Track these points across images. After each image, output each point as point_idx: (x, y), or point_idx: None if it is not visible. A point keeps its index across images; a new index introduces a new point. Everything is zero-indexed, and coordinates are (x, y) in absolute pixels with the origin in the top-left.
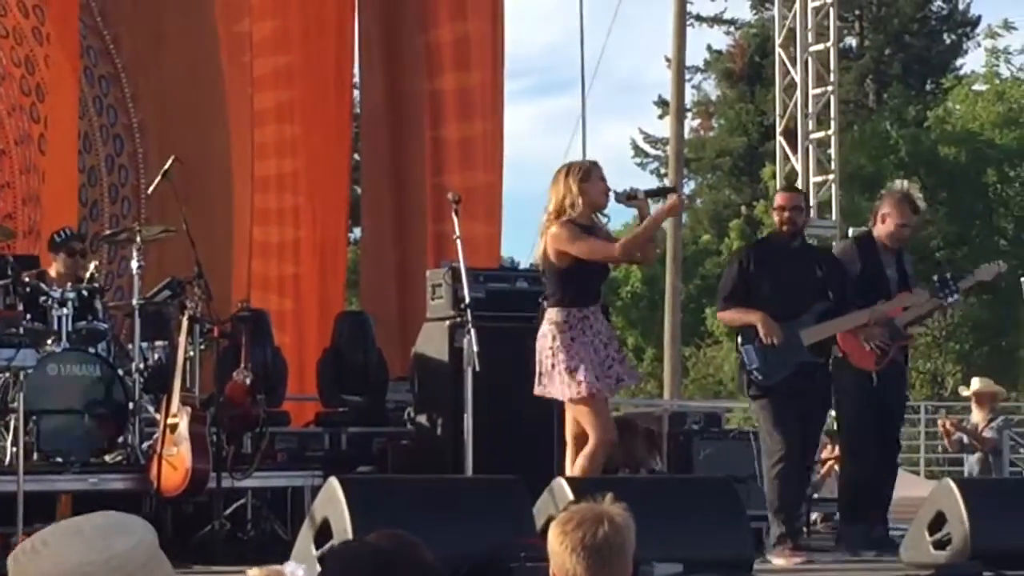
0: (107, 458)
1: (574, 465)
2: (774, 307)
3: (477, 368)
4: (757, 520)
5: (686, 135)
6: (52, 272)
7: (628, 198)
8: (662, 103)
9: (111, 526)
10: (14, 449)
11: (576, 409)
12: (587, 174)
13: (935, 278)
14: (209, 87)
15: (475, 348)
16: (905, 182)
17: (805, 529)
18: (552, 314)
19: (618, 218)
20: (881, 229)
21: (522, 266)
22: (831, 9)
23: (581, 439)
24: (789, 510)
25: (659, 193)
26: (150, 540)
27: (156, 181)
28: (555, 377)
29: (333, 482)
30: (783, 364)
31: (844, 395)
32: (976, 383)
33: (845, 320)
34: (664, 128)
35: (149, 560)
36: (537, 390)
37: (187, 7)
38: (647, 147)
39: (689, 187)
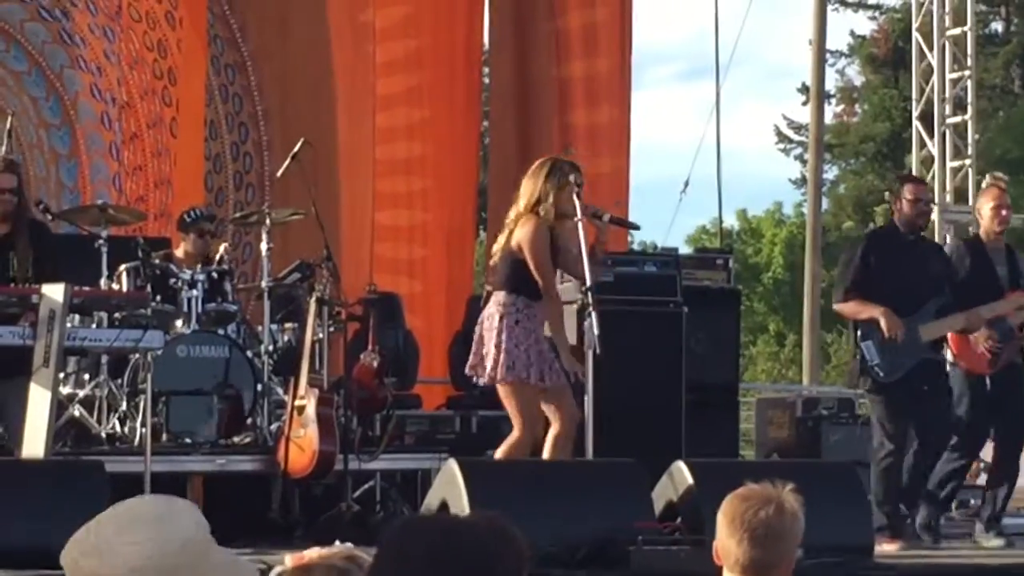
0: (235, 439)
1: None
2: (894, 301)
3: (598, 351)
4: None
5: (829, 121)
6: (180, 253)
7: (594, 216)
8: (805, 89)
9: (155, 518)
10: (143, 430)
11: (503, 392)
12: (565, 182)
13: None
14: (333, 76)
15: (596, 331)
16: (989, 175)
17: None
18: (500, 296)
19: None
20: (982, 224)
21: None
22: None
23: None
24: (892, 504)
25: (623, 225)
26: (192, 534)
27: (286, 163)
28: (490, 358)
29: (452, 464)
30: (903, 360)
31: (957, 399)
32: None
33: (964, 316)
34: (807, 114)
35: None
36: (468, 371)
37: None
38: (790, 133)
39: (832, 172)
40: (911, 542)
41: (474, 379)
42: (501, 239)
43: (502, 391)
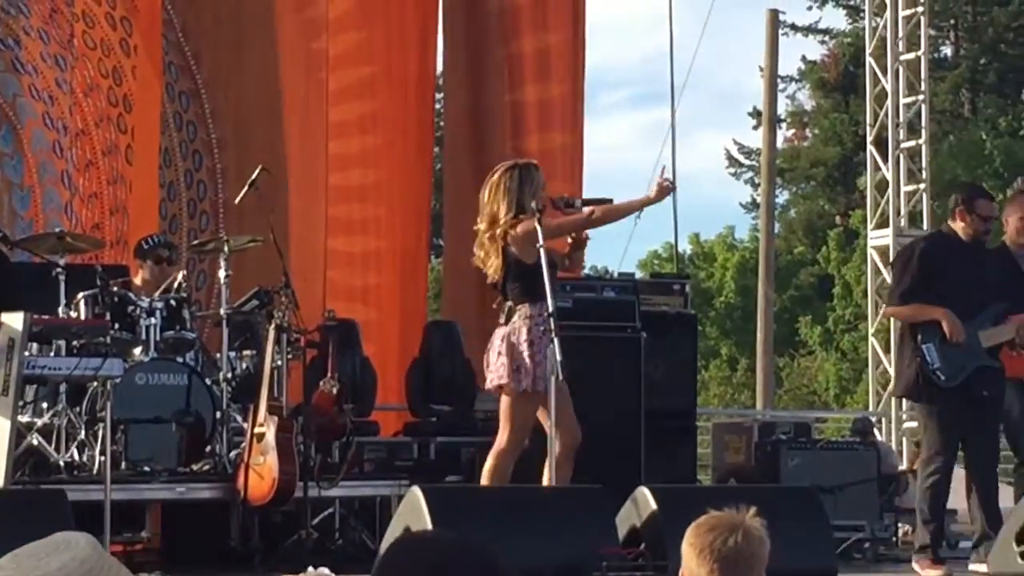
0: (194, 467)
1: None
2: (953, 305)
3: (561, 377)
4: (843, 531)
5: (780, 145)
6: (138, 280)
7: (566, 206)
8: (756, 113)
9: (46, 546)
10: (102, 458)
11: (516, 401)
12: (539, 182)
13: None
14: (286, 103)
15: (559, 357)
16: (1020, 179)
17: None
18: (524, 309)
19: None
20: (1010, 233)
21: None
22: (922, 18)
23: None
24: (938, 521)
25: (596, 203)
26: (88, 553)
27: (244, 190)
28: (520, 368)
29: (416, 491)
30: (963, 365)
31: (1008, 407)
32: None
33: (1014, 327)
34: (758, 138)
35: (89, 572)
36: (495, 385)
37: (266, 25)
38: (740, 157)
39: (783, 197)
40: (953, 565)
41: (498, 388)
42: (493, 261)
43: (512, 401)
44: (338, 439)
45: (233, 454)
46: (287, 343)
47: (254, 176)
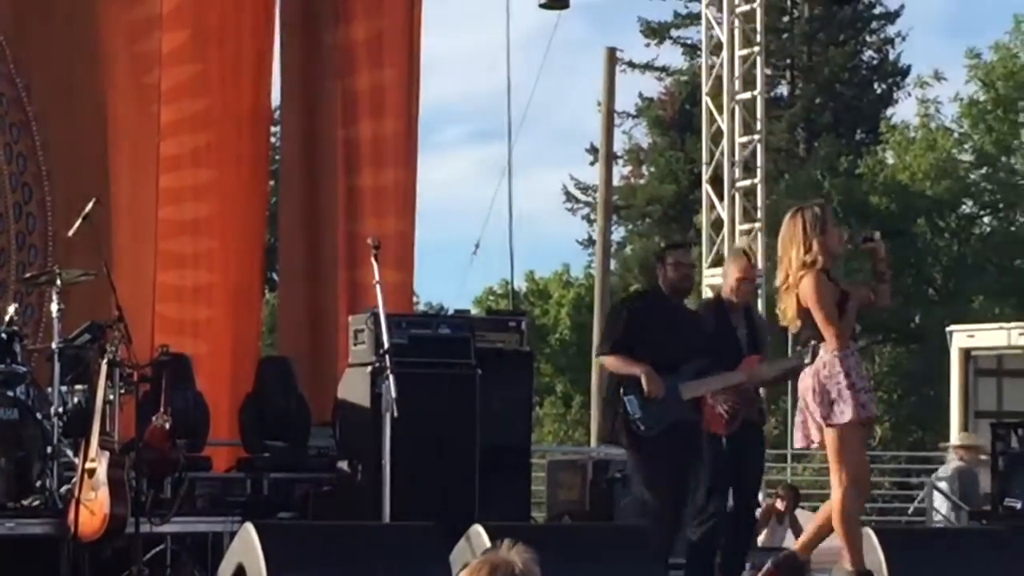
0: (24, 503)
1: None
2: (657, 358)
3: (395, 414)
4: (677, 568)
5: (617, 182)
6: None
7: (864, 241)
8: (593, 150)
9: None
10: None
11: (847, 432)
12: (824, 225)
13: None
14: (116, 136)
15: (393, 394)
16: (745, 239)
17: None
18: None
19: None
20: (726, 288)
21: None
22: (758, 58)
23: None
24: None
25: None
26: None
27: (78, 223)
28: (846, 401)
29: (249, 528)
30: (663, 417)
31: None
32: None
33: (723, 378)
34: (595, 175)
35: None
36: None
37: (97, 58)
38: (577, 193)
39: (619, 234)
40: None
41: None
42: (788, 309)
43: (845, 431)
44: (170, 475)
45: (64, 489)
46: (119, 378)
47: (87, 209)
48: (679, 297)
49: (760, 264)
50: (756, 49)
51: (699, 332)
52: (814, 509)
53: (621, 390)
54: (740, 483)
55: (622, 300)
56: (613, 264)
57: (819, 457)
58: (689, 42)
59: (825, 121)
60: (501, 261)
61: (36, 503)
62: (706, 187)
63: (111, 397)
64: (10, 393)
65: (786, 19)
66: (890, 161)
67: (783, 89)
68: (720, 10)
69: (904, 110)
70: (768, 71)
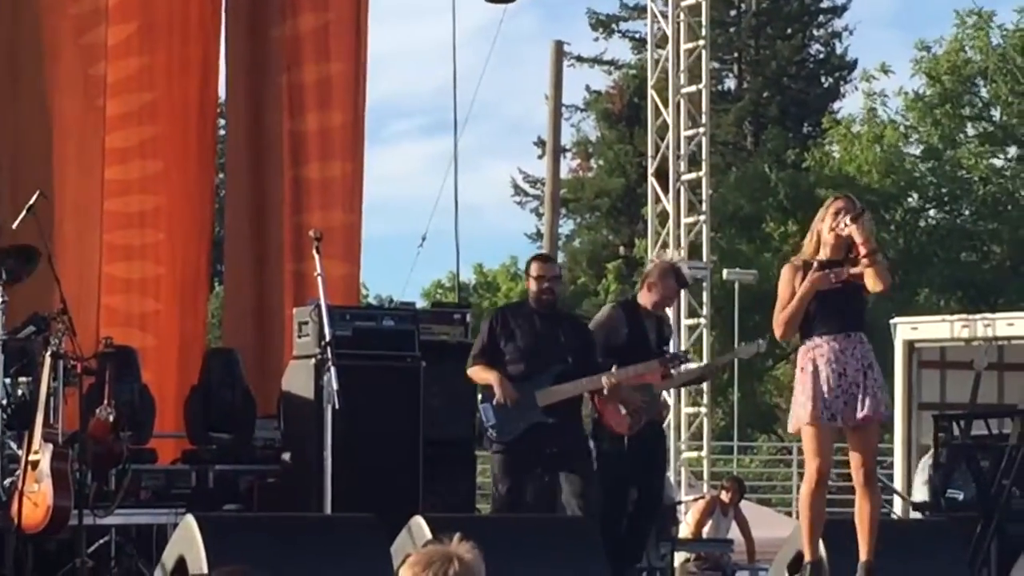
0: None
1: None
2: (517, 367)
3: (337, 406)
4: None
5: (565, 175)
6: None
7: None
8: (541, 143)
9: None
10: None
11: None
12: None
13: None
14: (61, 129)
15: (335, 386)
16: (676, 253)
17: None
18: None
19: None
20: (646, 296)
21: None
22: (703, 52)
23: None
24: None
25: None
26: None
27: (22, 215)
28: (877, 392)
29: (189, 519)
30: (516, 423)
31: (602, 458)
32: None
33: (579, 384)
34: (543, 168)
35: None
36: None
37: (43, 50)
38: (526, 186)
39: (567, 227)
40: None
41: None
42: None
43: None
44: (114, 466)
45: (7, 482)
46: (63, 370)
47: (32, 201)
48: (545, 307)
49: (705, 257)
50: (701, 43)
51: (560, 341)
52: (759, 502)
53: (479, 398)
54: (644, 480)
55: (489, 312)
56: (561, 257)
57: (765, 449)
58: (638, 36)
59: (772, 114)
60: (449, 254)
61: None
62: (651, 180)
63: (55, 389)
64: None
65: (733, 12)
66: (836, 155)
67: (731, 82)
68: (666, 3)
69: (851, 104)
70: (715, 64)
